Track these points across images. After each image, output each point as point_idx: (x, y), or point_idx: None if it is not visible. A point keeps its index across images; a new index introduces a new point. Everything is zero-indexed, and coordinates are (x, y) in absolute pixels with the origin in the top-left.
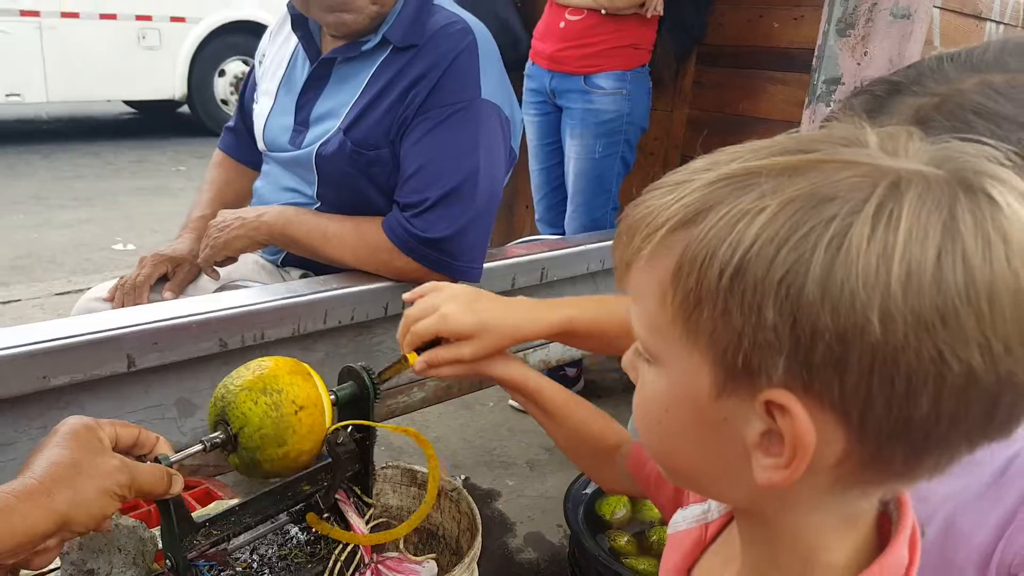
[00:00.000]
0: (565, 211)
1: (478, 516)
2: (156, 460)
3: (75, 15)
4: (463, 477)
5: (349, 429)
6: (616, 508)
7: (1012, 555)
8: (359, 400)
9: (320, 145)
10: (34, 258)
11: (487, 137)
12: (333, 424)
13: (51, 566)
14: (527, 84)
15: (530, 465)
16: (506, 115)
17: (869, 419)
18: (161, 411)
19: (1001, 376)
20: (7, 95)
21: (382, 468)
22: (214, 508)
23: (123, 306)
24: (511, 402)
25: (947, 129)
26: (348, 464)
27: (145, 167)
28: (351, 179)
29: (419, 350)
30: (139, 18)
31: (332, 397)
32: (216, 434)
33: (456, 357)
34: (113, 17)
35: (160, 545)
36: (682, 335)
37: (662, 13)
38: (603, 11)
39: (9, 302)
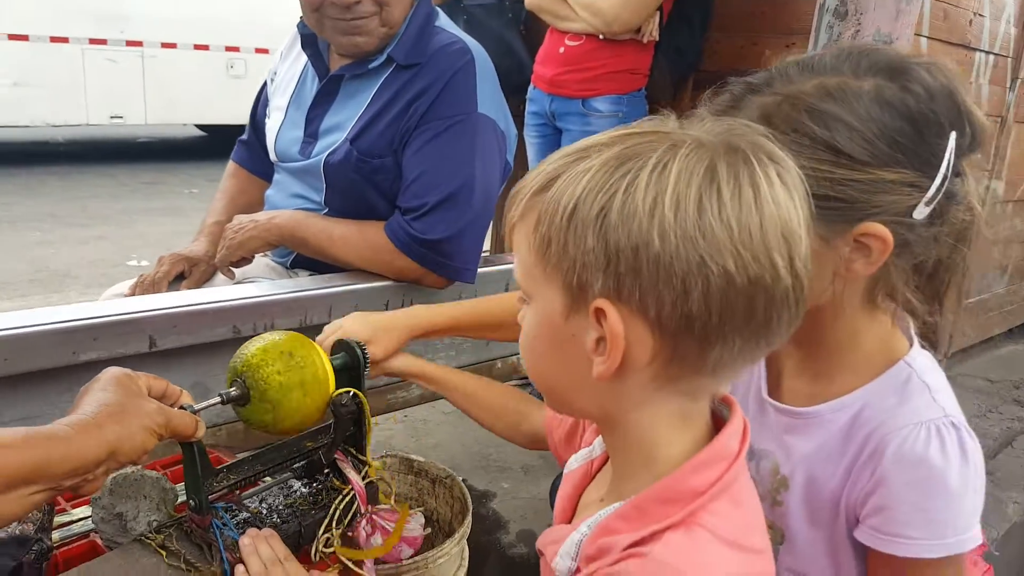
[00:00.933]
0: None
1: (469, 498)
2: (182, 408)
3: (173, 45)
4: (461, 479)
5: (351, 394)
6: None
7: (854, 498)
8: (351, 368)
9: (328, 154)
10: (51, 272)
11: (483, 148)
12: (335, 390)
13: (82, 511)
14: (529, 107)
15: (524, 470)
16: (501, 129)
17: (662, 316)
18: None
19: (752, 279)
20: (111, 117)
21: (381, 457)
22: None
23: None
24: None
25: (785, 125)
26: (348, 424)
27: (158, 189)
28: (356, 186)
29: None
30: (228, 49)
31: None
32: (232, 389)
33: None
34: (206, 48)
35: (179, 498)
36: (541, 273)
37: (657, 38)
38: (601, 36)
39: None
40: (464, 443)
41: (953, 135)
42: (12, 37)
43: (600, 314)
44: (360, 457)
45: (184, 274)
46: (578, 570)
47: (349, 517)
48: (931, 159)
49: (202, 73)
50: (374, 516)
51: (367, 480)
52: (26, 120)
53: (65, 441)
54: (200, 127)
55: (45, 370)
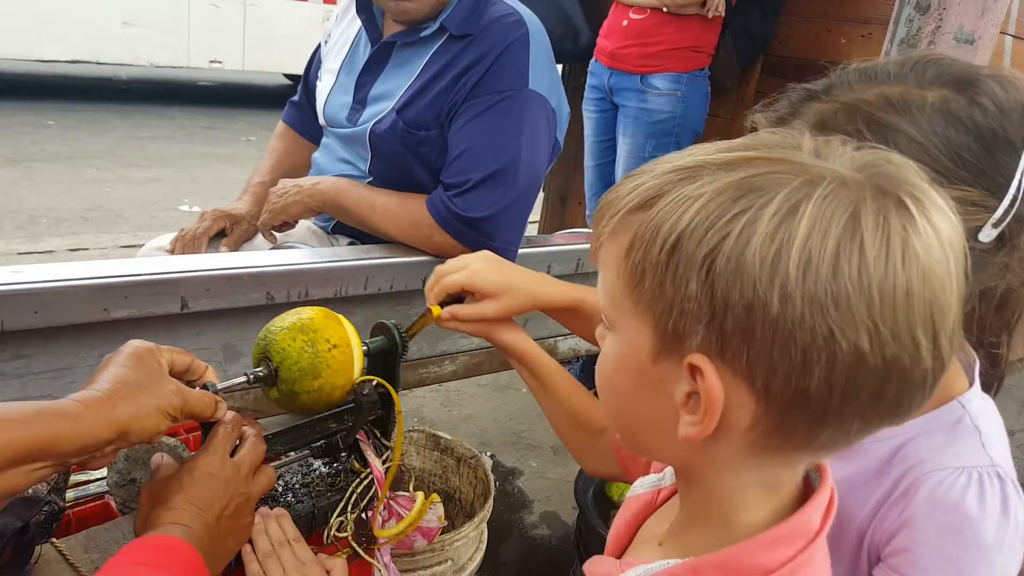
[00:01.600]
0: None
1: (492, 482)
2: (204, 387)
3: None
4: (489, 454)
5: (375, 383)
6: (624, 491)
7: (879, 536)
8: (387, 353)
9: (375, 123)
10: (104, 211)
11: (531, 126)
12: (363, 372)
13: (99, 474)
14: (589, 80)
15: (554, 450)
16: (552, 107)
17: (772, 387)
18: (208, 353)
19: (887, 359)
20: (211, 61)
21: (408, 431)
22: None
23: (182, 255)
24: None
25: (841, 135)
26: (370, 411)
27: (216, 134)
28: (401, 157)
29: (444, 304)
30: (326, 1)
31: (364, 348)
32: (259, 368)
33: (479, 314)
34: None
35: None
36: (631, 304)
37: (723, 14)
38: (665, 9)
39: (77, 250)
40: (496, 417)
41: None
42: None
43: (696, 371)
44: (383, 441)
45: (225, 231)
46: None
47: (366, 501)
48: (999, 178)
49: (300, 24)
50: (391, 502)
51: (388, 464)
52: (130, 59)
53: (75, 419)
54: (288, 76)
55: (76, 325)
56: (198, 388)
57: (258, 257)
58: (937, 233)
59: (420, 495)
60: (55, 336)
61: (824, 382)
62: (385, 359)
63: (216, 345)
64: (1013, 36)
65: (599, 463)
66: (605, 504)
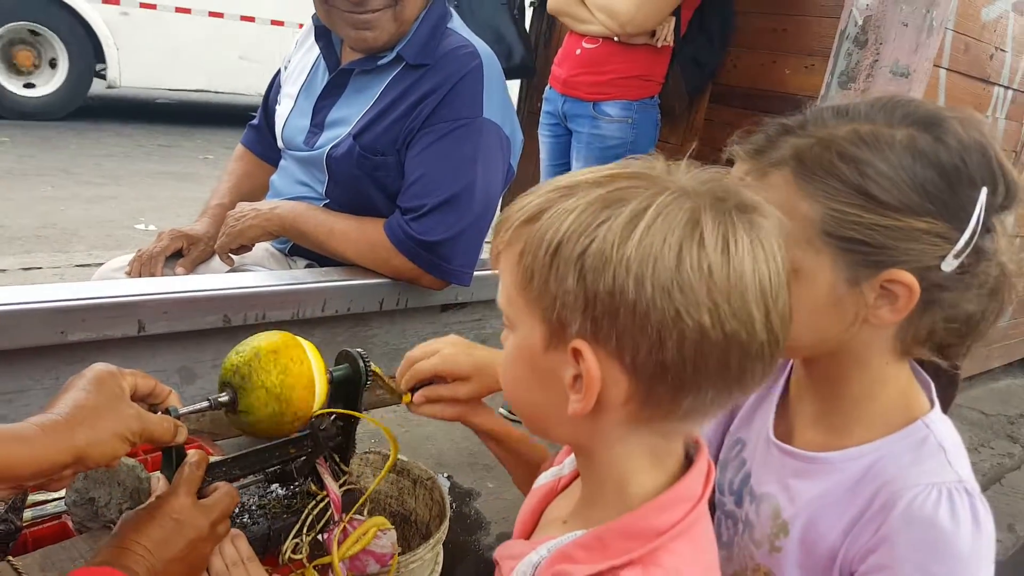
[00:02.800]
0: None
1: (447, 504)
2: (167, 411)
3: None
4: (446, 475)
5: (333, 417)
6: None
7: (854, 553)
8: (351, 382)
9: (332, 147)
10: (58, 229)
11: (486, 153)
12: (327, 398)
13: (57, 493)
14: (544, 107)
15: None
16: (506, 134)
17: (637, 362)
18: (165, 376)
19: (727, 333)
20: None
21: (365, 453)
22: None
23: (139, 275)
24: (500, 409)
25: (817, 167)
26: (327, 443)
27: (173, 152)
28: (357, 180)
29: (414, 390)
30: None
31: (328, 375)
32: (223, 395)
33: (453, 395)
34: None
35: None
36: (523, 302)
37: (672, 44)
38: (616, 39)
39: (31, 269)
40: (453, 439)
41: (984, 190)
42: (243, 18)
43: (577, 354)
44: (342, 467)
45: (183, 251)
46: None
47: (322, 524)
48: (960, 212)
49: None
50: (347, 526)
51: (345, 488)
52: (243, 88)
53: (30, 443)
54: None
55: (32, 348)
56: (160, 412)
57: (215, 280)
58: (765, 230)
59: (377, 519)
60: (10, 358)
61: (677, 355)
62: (348, 387)
63: (173, 367)
64: (947, 69)
65: None
66: None
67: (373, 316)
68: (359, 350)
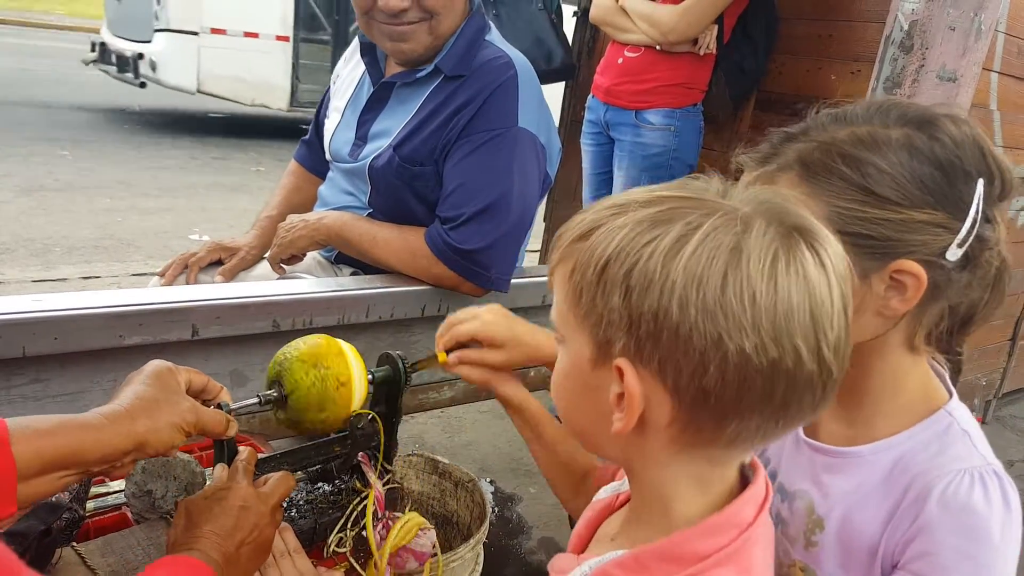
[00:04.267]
0: None
1: (488, 505)
2: (219, 406)
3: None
4: (489, 480)
5: (370, 417)
6: None
7: (894, 545)
8: (391, 382)
9: (373, 158)
10: (116, 240)
11: (522, 161)
12: (367, 399)
13: (117, 485)
14: (586, 115)
15: None
16: (542, 143)
17: (680, 385)
18: (217, 378)
19: (770, 362)
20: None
21: (407, 455)
22: None
23: (170, 282)
24: None
25: (821, 169)
26: (364, 442)
27: (227, 164)
28: (397, 190)
29: (451, 352)
30: None
31: (369, 376)
32: (271, 391)
33: (484, 360)
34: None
35: (207, 482)
36: (573, 319)
37: (715, 51)
38: (658, 47)
39: (90, 277)
40: (496, 444)
41: (981, 182)
42: (279, 38)
43: (620, 373)
44: (385, 465)
45: (222, 261)
46: None
47: (365, 520)
48: (960, 203)
49: None
50: (389, 522)
51: (389, 486)
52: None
53: (96, 430)
54: None
55: (92, 351)
56: (212, 407)
57: (265, 287)
58: (819, 257)
59: (414, 515)
60: (72, 361)
61: (720, 380)
62: (389, 388)
63: (224, 370)
64: (998, 73)
65: (584, 504)
66: None
67: (416, 322)
68: (399, 353)
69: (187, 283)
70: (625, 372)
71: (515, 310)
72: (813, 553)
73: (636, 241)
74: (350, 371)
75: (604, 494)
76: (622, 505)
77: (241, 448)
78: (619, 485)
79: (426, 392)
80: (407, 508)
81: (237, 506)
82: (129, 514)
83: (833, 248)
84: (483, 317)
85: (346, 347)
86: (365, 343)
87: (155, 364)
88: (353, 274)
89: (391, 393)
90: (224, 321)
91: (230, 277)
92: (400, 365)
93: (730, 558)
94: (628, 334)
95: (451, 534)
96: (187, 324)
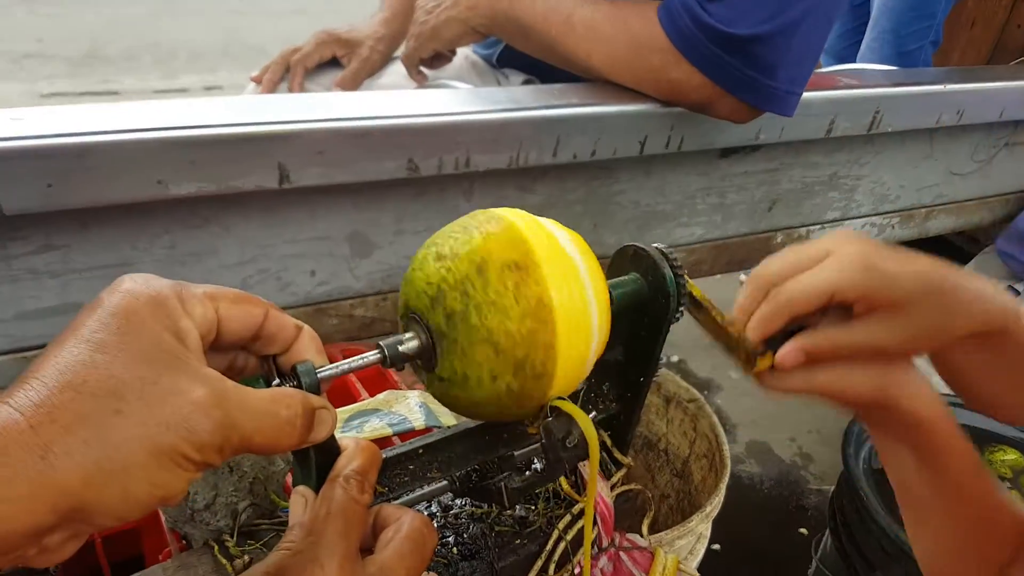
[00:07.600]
0: (860, 41)
1: (726, 447)
2: (294, 370)
3: None
4: (675, 358)
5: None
6: None
7: None
8: (646, 306)
9: None
10: (243, 46)
11: None
12: (600, 353)
13: None
14: None
15: None
16: None
17: None
18: (328, 245)
19: None
20: None
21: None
22: (377, 431)
23: (271, 90)
24: (740, 276)
25: None
26: (562, 462)
27: None
28: None
29: (774, 344)
30: None
31: (609, 295)
32: (408, 336)
33: (870, 342)
34: None
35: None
36: None
37: None
38: None
39: (212, 87)
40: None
41: None
42: None
43: None
44: (616, 455)
45: (340, 61)
46: None
47: (583, 551)
48: None
49: None
50: (620, 552)
51: (620, 489)
52: None
53: None
54: None
55: (120, 205)
56: (274, 381)
57: (395, 103)
58: None
59: (660, 552)
60: (96, 220)
61: None
62: (642, 317)
63: (339, 234)
64: None
65: None
66: (881, 478)
67: (621, 164)
68: (658, 245)
69: (290, 91)
70: None
71: (775, 145)
72: None
73: None
74: (572, 291)
75: None
76: None
77: (347, 444)
78: None
79: None
80: (644, 524)
81: None
82: (163, 519)
83: None
84: (842, 252)
85: (564, 239)
86: (543, 195)
87: (126, 287)
88: (527, 83)
89: (653, 326)
90: (330, 159)
91: (354, 86)
92: (667, 273)
93: None
94: None
95: (656, 459)
96: (271, 163)
